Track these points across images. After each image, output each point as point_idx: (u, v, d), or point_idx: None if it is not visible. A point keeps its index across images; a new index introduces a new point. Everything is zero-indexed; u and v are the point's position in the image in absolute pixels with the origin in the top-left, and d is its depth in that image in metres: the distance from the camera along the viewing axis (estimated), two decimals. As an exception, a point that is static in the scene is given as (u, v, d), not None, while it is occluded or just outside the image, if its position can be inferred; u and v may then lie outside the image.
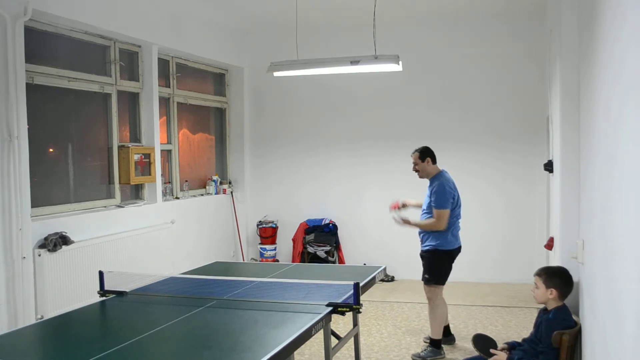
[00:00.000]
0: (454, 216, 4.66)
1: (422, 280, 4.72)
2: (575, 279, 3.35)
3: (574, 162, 3.48)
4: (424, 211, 4.74)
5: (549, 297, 3.30)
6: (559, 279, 3.31)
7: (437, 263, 4.63)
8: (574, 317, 3.29)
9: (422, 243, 4.75)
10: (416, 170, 4.78)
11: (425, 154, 4.73)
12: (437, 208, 4.56)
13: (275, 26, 7.33)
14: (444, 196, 4.55)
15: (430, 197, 4.65)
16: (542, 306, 3.46)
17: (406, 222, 4.68)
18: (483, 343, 3.60)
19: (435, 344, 4.64)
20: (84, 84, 5.43)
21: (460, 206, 4.74)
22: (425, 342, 4.88)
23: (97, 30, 5.43)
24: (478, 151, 7.10)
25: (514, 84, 6.96)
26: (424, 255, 4.70)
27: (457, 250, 4.73)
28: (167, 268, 5.72)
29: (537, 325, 3.39)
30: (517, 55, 6.90)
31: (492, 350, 3.44)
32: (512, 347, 3.44)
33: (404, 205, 4.95)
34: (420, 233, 4.78)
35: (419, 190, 7.07)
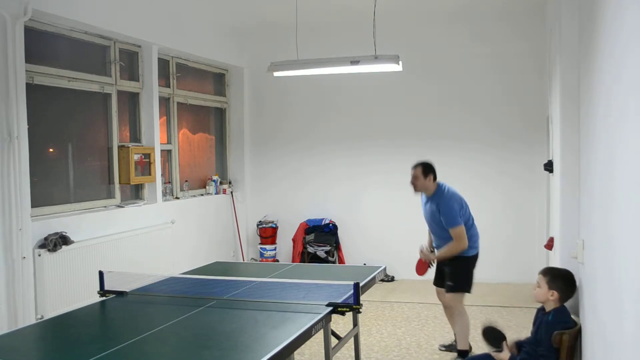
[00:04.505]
0: (467, 227, 4.43)
1: (446, 289, 4.48)
2: (575, 279, 3.34)
3: (574, 162, 3.47)
4: (433, 227, 4.51)
5: (550, 297, 3.28)
6: (562, 281, 3.29)
7: (461, 270, 4.43)
8: (574, 317, 3.29)
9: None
10: (413, 185, 4.49)
11: (429, 171, 4.44)
12: (451, 227, 4.32)
13: (275, 26, 7.33)
14: (452, 213, 4.32)
15: (437, 213, 4.40)
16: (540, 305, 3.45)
17: (434, 260, 4.54)
18: (492, 335, 3.56)
19: (462, 355, 4.40)
20: (84, 84, 5.43)
21: (469, 213, 4.51)
22: (441, 349, 4.77)
23: (97, 30, 5.43)
24: (478, 150, 7.10)
25: (514, 83, 6.96)
26: (448, 263, 4.46)
27: (476, 257, 4.53)
28: (167, 268, 5.72)
29: (537, 325, 3.38)
30: (518, 54, 6.90)
31: (492, 353, 3.43)
32: (519, 346, 3.42)
33: (432, 252, 4.68)
34: (437, 245, 4.55)
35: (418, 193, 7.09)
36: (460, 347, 4.44)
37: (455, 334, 4.57)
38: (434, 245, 4.64)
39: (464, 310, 4.48)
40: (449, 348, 4.70)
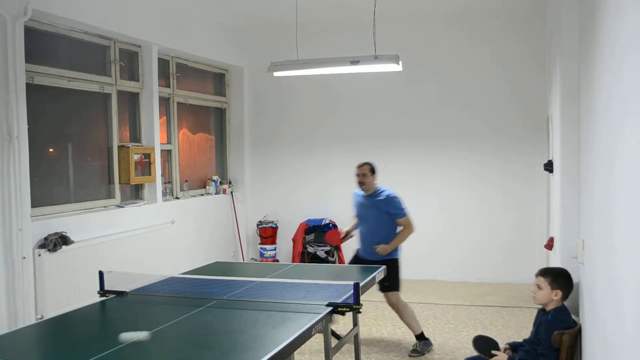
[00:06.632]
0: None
1: (381, 289, 4.77)
2: (575, 279, 3.35)
3: (574, 162, 3.48)
4: (369, 224, 4.81)
5: (554, 298, 3.29)
6: (564, 280, 3.31)
7: (395, 270, 4.78)
8: (574, 317, 3.29)
9: (373, 254, 4.75)
10: (361, 182, 4.83)
11: (375, 170, 4.85)
12: (400, 218, 4.75)
13: (275, 26, 7.33)
14: (400, 205, 4.76)
15: (379, 211, 4.74)
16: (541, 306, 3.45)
17: (383, 249, 4.72)
18: (484, 344, 3.59)
19: (421, 337, 4.78)
20: (84, 84, 5.43)
21: None
22: (411, 355, 4.79)
23: (97, 30, 5.43)
24: (478, 151, 7.10)
25: (514, 83, 6.96)
26: (389, 264, 4.62)
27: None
28: (167, 268, 5.72)
29: (537, 325, 3.39)
30: (518, 55, 6.91)
31: (493, 352, 3.43)
32: (514, 347, 3.43)
33: (347, 234, 5.08)
34: (371, 245, 4.76)
35: (419, 190, 7.10)
36: (416, 332, 4.79)
37: (407, 326, 4.85)
38: (360, 239, 4.92)
39: (405, 302, 4.85)
40: (415, 351, 4.75)
